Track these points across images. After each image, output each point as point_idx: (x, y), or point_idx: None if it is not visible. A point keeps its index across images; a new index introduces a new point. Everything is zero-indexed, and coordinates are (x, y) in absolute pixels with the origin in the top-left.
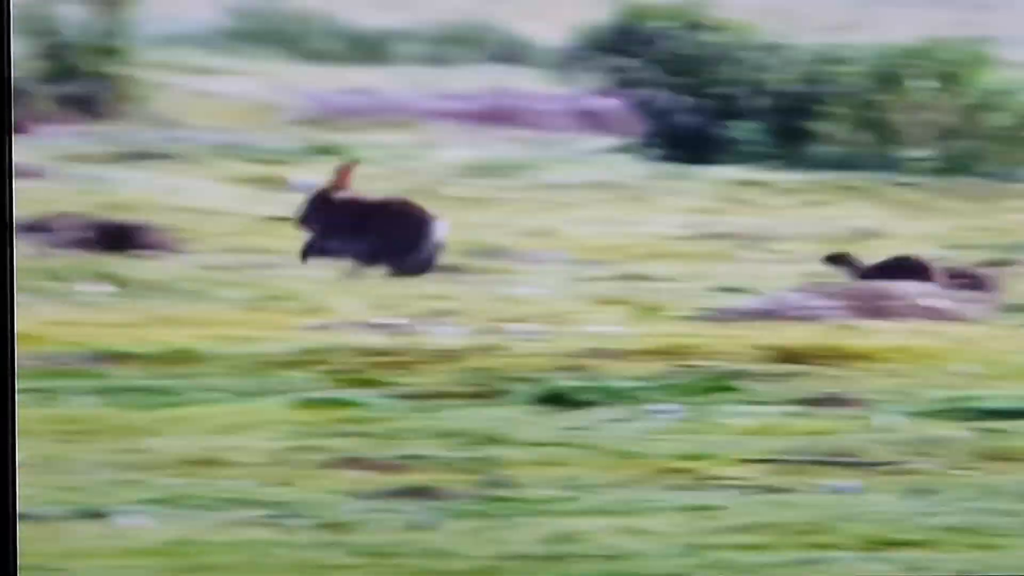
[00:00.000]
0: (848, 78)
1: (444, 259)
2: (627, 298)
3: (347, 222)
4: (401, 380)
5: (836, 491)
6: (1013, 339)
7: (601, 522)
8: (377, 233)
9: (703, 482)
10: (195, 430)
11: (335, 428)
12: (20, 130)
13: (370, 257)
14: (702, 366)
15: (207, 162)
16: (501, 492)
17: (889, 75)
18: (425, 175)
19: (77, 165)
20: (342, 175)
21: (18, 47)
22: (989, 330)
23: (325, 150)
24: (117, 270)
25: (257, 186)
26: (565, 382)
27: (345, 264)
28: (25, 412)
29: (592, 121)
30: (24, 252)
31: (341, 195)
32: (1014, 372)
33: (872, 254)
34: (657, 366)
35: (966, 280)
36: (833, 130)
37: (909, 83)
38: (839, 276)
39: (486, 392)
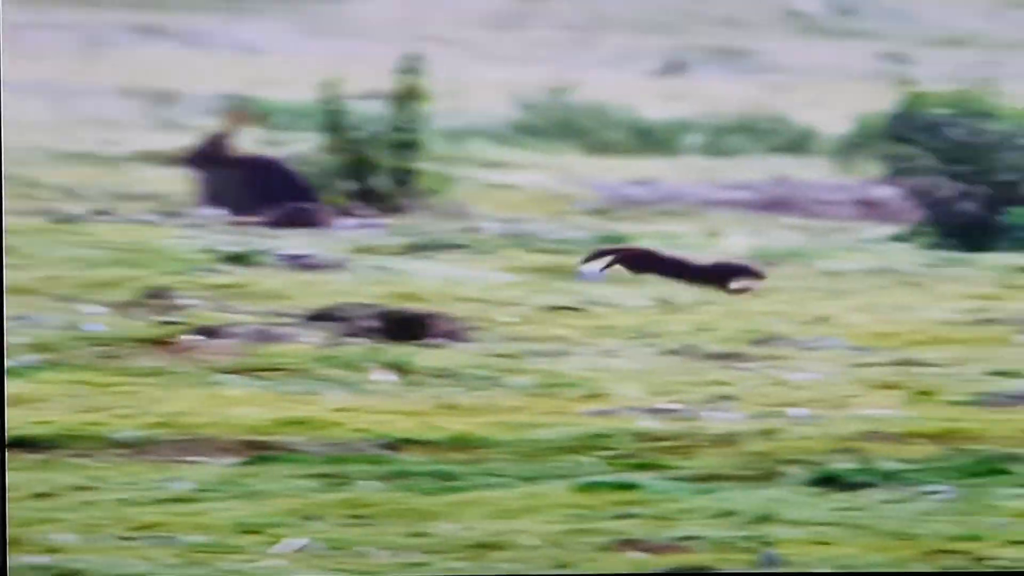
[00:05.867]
0: None
1: (724, 347)
2: (903, 383)
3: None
4: (679, 463)
5: None
6: None
7: None
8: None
9: (976, 563)
10: (479, 514)
11: (615, 511)
12: (319, 224)
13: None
14: (976, 450)
15: (496, 252)
16: (774, 570)
17: None
18: None
19: (371, 256)
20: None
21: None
22: None
23: (611, 239)
24: (406, 358)
25: (544, 275)
26: (840, 464)
27: None
28: (315, 496)
29: (872, 209)
30: (316, 341)
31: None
32: None
33: None
34: (931, 449)
35: None
36: None
37: None
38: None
39: (762, 474)
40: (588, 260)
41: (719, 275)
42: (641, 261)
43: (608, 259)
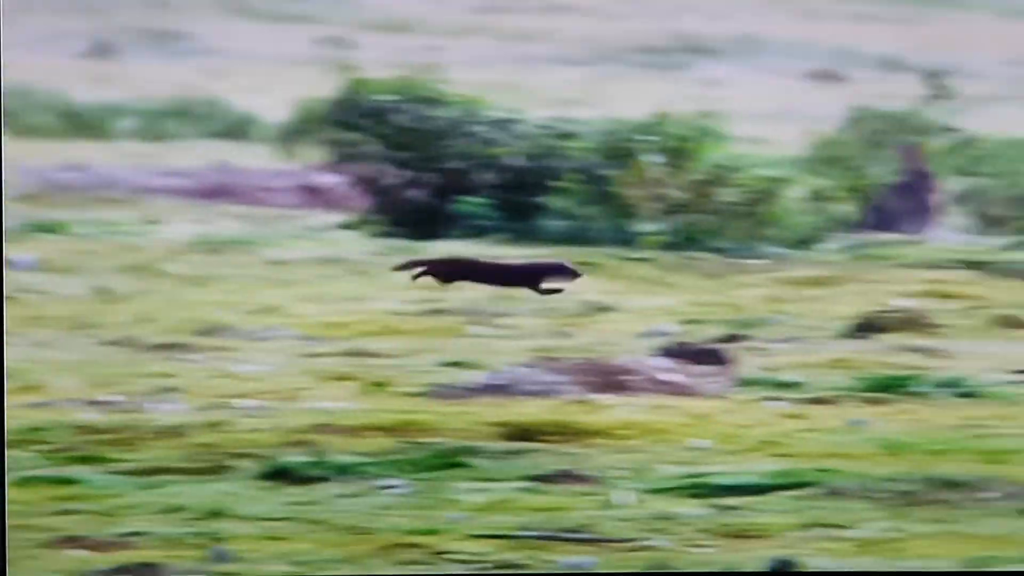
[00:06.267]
0: (578, 152)
1: (168, 337)
2: (355, 374)
3: None
4: (123, 457)
5: (572, 568)
6: (747, 414)
7: None
8: None
9: (433, 558)
10: None
11: (54, 507)
12: None
13: None
14: (432, 442)
15: None
16: (227, 568)
17: (619, 150)
18: (148, 252)
19: None
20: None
21: None
22: (724, 405)
23: (43, 227)
24: None
25: None
26: (292, 457)
27: None
28: None
29: (317, 197)
30: None
31: None
32: (749, 447)
33: (602, 331)
34: (386, 442)
35: (700, 354)
36: (563, 204)
37: (639, 158)
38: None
39: (211, 468)
40: (400, 269)
41: (533, 275)
42: (454, 270)
43: (420, 269)
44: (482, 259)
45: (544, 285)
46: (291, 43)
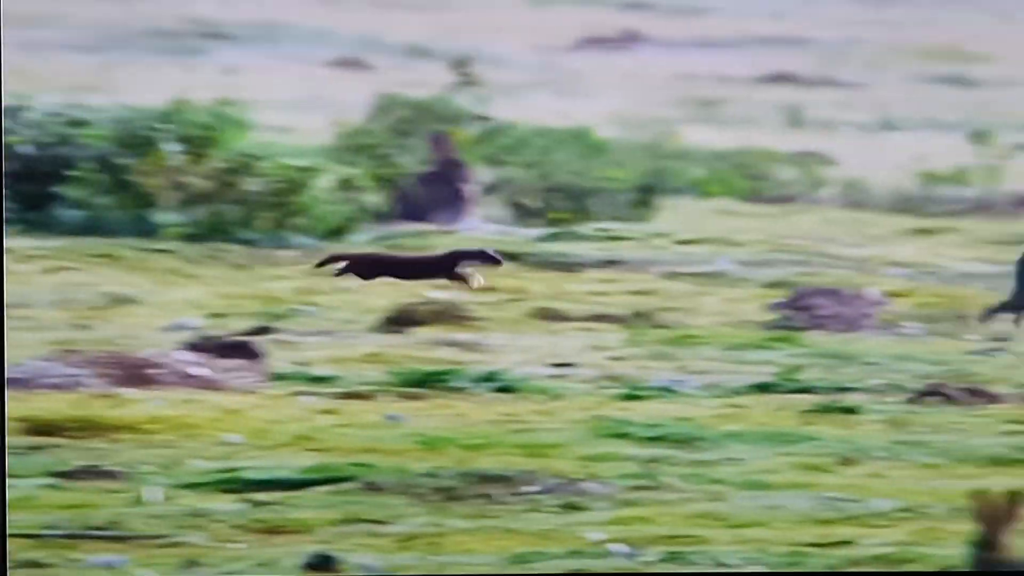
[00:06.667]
0: (92, 141)
1: None
2: None
3: None
4: None
5: (104, 565)
6: (278, 408)
7: None
8: None
9: None
10: None
11: None
12: None
13: None
14: None
15: None
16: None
17: (137, 138)
18: None
19: None
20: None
21: None
22: (255, 399)
23: None
24: None
25: None
26: None
27: None
28: None
29: None
30: None
31: None
32: (280, 442)
33: (124, 324)
34: None
35: (230, 348)
36: (79, 194)
37: (159, 146)
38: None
39: None
40: (321, 264)
41: (451, 263)
42: (371, 266)
43: (341, 265)
44: (395, 254)
45: (459, 271)
46: None
